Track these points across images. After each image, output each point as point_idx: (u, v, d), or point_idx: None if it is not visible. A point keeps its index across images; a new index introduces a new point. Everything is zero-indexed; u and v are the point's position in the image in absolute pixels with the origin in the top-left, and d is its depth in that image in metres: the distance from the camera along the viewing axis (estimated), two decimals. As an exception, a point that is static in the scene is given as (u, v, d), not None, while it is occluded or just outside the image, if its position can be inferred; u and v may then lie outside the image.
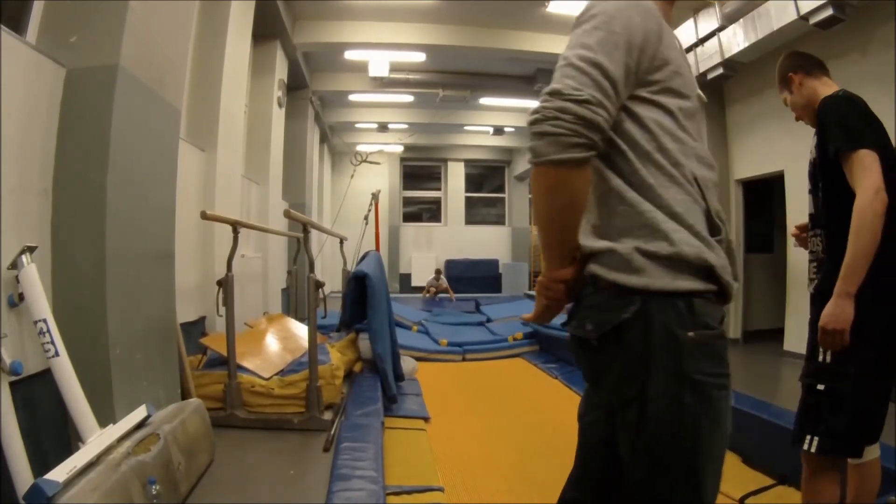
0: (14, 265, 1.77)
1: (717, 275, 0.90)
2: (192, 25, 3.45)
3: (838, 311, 1.33)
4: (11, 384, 1.66)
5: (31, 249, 1.80)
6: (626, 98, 0.92)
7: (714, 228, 0.93)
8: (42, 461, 1.72)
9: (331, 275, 7.68)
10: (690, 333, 0.86)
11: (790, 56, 1.71)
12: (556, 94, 0.85)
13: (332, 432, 2.85)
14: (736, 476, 2.89)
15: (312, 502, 2.12)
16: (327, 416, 3.04)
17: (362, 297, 4.18)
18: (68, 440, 1.91)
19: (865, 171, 1.32)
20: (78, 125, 2.08)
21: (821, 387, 1.44)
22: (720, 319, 0.93)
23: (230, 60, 4.15)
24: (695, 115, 1.00)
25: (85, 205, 2.08)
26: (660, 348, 0.86)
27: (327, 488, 2.19)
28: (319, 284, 3.07)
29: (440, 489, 2.67)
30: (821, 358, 1.44)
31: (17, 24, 2.09)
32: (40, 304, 1.77)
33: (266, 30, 5.59)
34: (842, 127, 1.42)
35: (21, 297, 1.77)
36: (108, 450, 1.72)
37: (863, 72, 3.96)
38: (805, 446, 1.50)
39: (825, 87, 1.62)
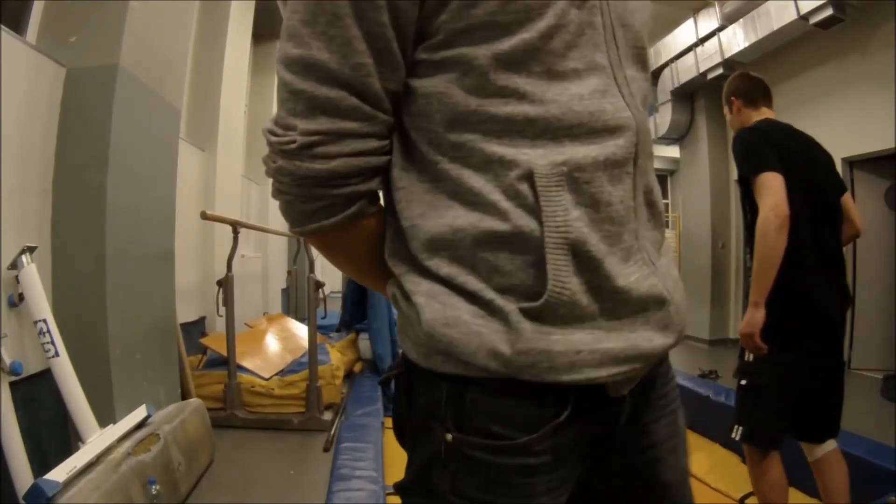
0: (14, 265, 1.77)
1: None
2: (192, 25, 3.45)
3: (748, 318, 1.48)
4: (11, 384, 1.66)
5: (31, 249, 1.80)
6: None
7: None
8: (42, 461, 1.72)
9: (331, 275, 7.68)
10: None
11: (739, 78, 1.73)
12: (268, 141, 0.53)
13: (332, 432, 2.84)
14: (736, 476, 2.89)
15: (312, 502, 2.12)
16: (327, 416, 3.04)
17: (362, 297, 4.19)
18: (68, 440, 1.91)
19: (766, 191, 1.41)
20: (78, 125, 2.08)
21: (744, 382, 1.59)
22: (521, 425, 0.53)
23: (230, 60, 4.15)
24: (548, 48, 0.50)
25: (85, 205, 2.08)
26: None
27: (327, 488, 2.19)
28: (319, 284, 3.06)
29: None
30: (746, 357, 1.59)
31: (17, 24, 2.09)
32: (40, 304, 1.77)
33: (266, 30, 5.59)
34: (746, 154, 1.50)
35: (21, 297, 1.77)
36: (108, 450, 1.72)
37: (863, 72, 3.97)
38: (733, 434, 1.64)
39: (758, 118, 1.63)
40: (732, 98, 1.68)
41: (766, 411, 1.54)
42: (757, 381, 1.53)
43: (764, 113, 1.63)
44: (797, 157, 1.48)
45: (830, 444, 1.62)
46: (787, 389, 1.51)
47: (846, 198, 1.60)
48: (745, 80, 1.68)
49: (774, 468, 1.59)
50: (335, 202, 0.55)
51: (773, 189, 1.38)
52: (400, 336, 0.60)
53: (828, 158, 1.65)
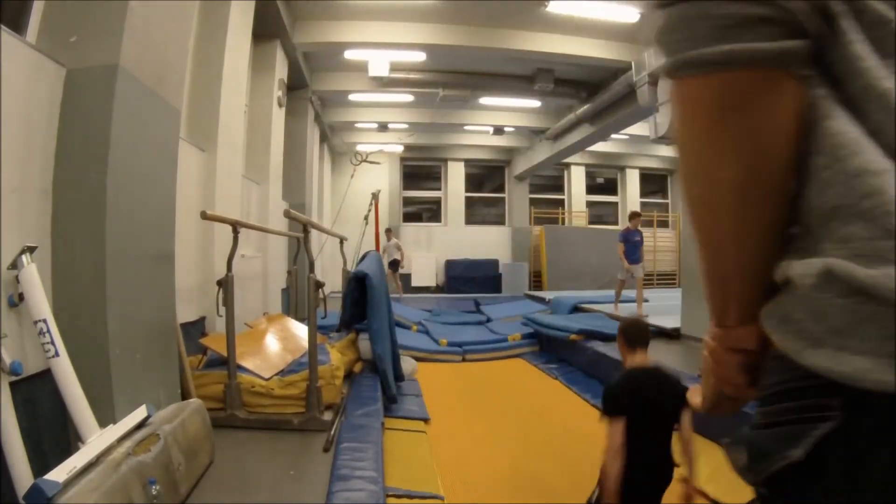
0: (14, 265, 1.77)
1: None
2: (192, 25, 3.44)
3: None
4: (11, 384, 1.66)
5: (31, 249, 1.80)
6: None
7: None
8: (42, 461, 1.72)
9: (331, 275, 7.68)
10: None
11: (628, 323, 2.24)
12: None
13: (332, 433, 2.85)
14: (736, 480, 2.89)
15: (312, 502, 2.12)
16: (327, 416, 3.04)
17: (362, 297, 4.19)
18: (68, 440, 1.91)
19: (608, 436, 1.86)
20: (78, 125, 2.08)
21: None
22: None
23: (230, 60, 4.15)
24: None
25: (85, 205, 2.08)
26: None
27: (327, 489, 2.20)
28: (319, 284, 3.07)
29: (440, 497, 2.65)
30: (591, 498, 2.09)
31: (17, 24, 2.09)
32: (40, 304, 1.77)
33: (266, 29, 5.59)
34: (604, 399, 2.00)
35: (21, 297, 1.77)
36: (108, 450, 1.72)
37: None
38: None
39: (631, 361, 2.10)
40: (620, 343, 2.17)
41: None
42: None
43: (637, 354, 2.08)
44: (643, 394, 1.95)
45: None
46: None
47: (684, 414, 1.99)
48: (628, 329, 2.16)
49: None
50: (773, 16, 0.38)
51: (612, 434, 1.86)
52: (821, 353, 0.40)
53: (675, 383, 2.02)
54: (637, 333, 2.11)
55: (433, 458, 3.18)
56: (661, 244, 13.09)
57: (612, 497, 1.83)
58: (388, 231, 10.89)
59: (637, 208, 13.87)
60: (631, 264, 6.74)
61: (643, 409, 1.90)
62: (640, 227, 6.97)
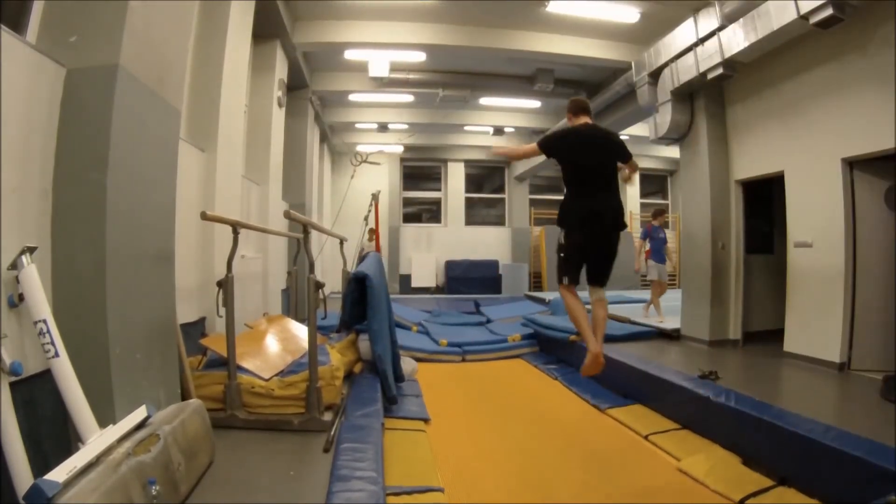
0: (14, 265, 1.77)
1: None
2: (192, 25, 3.45)
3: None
4: (11, 384, 1.66)
5: (31, 249, 1.80)
6: None
7: None
8: (42, 461, 1.72)
9: (331, 275, 7.67)
10: None
11: (571, 100, 3.09)
12: None
13: (332, 433, 2.84)
14: (736, 477, 2.89)
15: (312, 503, 2.12)
16: (327, 416, 3.04)
17: (362, 297, 4.18)
18: (68, 440, 1.90)
19: (524, 149, 2.86)
20: (78, 125, 2.08)
21: (560, 254, 2.93)
22: None
23: (230, 60, 4.15)
24: None
25: (85, 205, 2.07)
26: None
27: (327, 489, 2.19)
28: (319, 285, 3.06)
29: (440, 490, 2.66)
30: (560, 240, 2.89)
31: (17, 24, 2.09)
32: (40, 304, 1.77)
33: (266, 29, 5.59)
34: (544, 138, 2.94)
35: (21, 297, 1.77)
36: (108, 450, 1.71)
37: (862, 72, 3.96)
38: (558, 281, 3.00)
39: (576, 121, 2.97)
40: (568, 114, 3.05)
41: (566, 267, 2.85)
42: (562, 253, 2.82)
43: (581, 118, 2.94)
44: (581, 140, 2.81)
45: (602, 292, 2.98)
46: (575, 258, 2.83)
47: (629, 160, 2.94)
48: (573, 102, 3.04)
49: (573, 294, 2.89)
50: None
51: (527, 149, 2.93)
52: None
53: (612, 136, 2.96)
54: (579, 104, 2.92)
55: (433, 455, 3.18)
56: (661, 244, 13.06)
57: (514, 150, 2.65)
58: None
59: (637, 209, 13.93)
60: (657, 263, 6.51)
61: (587, 150, 2.58)
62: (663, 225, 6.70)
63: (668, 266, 6.60)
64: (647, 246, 6.62)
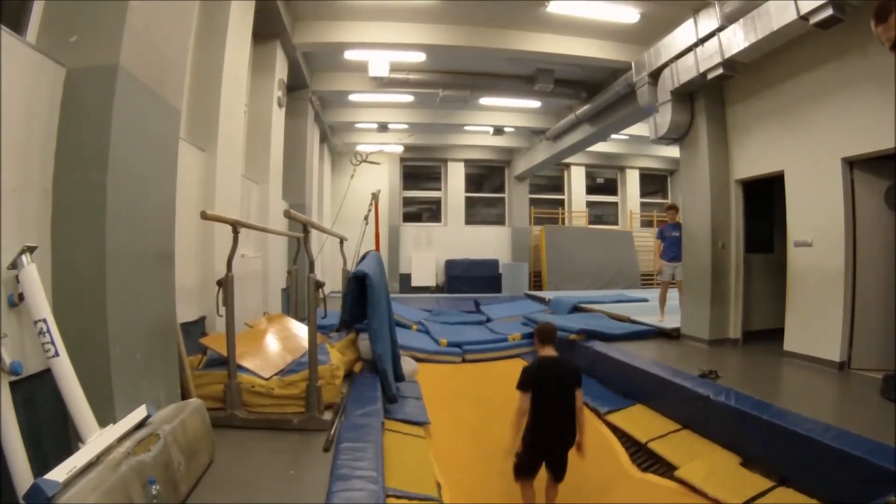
0: (14, 265, 1.77)
1: None
2: (192, 25, 3.45)
3: (510, 445, 2.80)
4: (11, 384, 1.66)
5: (31, 249, 1.80)
6: None
7: None
8: (42, 461, 1.72)
9: (331, 275, 7.68)
10: None
11: (540, 327, 3.12)
12: None
13: (332, 432, 2.84)
14: (734, 481, 2.89)
15: (312, 502, 2.12)
16: (327, 416, 3.04)
17: (362, 296, 4.18)
18: (68, 440, 1.91)
19: (519, 401, 2.75)
20: (78, 125, 2.08)
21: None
22: None
23: (230, 60, 4.15)
24: None
25: (85, 205, 2.08)
26: None
27: (327, 488, 2.19)
28: (319, 284, 3.06)
29: (434, 499, 2.64)
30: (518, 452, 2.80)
31: (17, 24, 2.09)
32: (40, 304, 1.77)
33: (266, 30, 5.59)
34: (520, 377, 2.81)
35: (21, 297, 1.77)
36: (108, 450, 1.72)
37: (862, 72, 3.96)
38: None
39: (542, 353, 2.96)
40: (535, 339, 3.09)
41: (523, 465, 2.80)
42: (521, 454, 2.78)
43: (546, 349, 2.95)
44: (545, 375, 2.80)
45: (555, 484, 2.84)
46: (533, 461, 2.78)
47: (577, 392, 2.79)
48: (541, 328, 3.07)
49: (530, 489, 2.82)
50: None
51: (522, 400, 2.74)
52: None
53: (570, 370, 2.87)
54: (546, 333, 2.97)
55: (433, 459, 3.18)
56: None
57: (517, 444, 2.69)
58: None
59: (637, 208, 13.94)
60: (670, 261, 6.14)
61: (547, 385, 2.71)
62: (678, 220, 6.22)
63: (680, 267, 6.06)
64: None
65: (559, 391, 2.70)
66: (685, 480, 2.97)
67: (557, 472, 2.75)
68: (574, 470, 2.82)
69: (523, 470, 2.73)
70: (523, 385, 2.71)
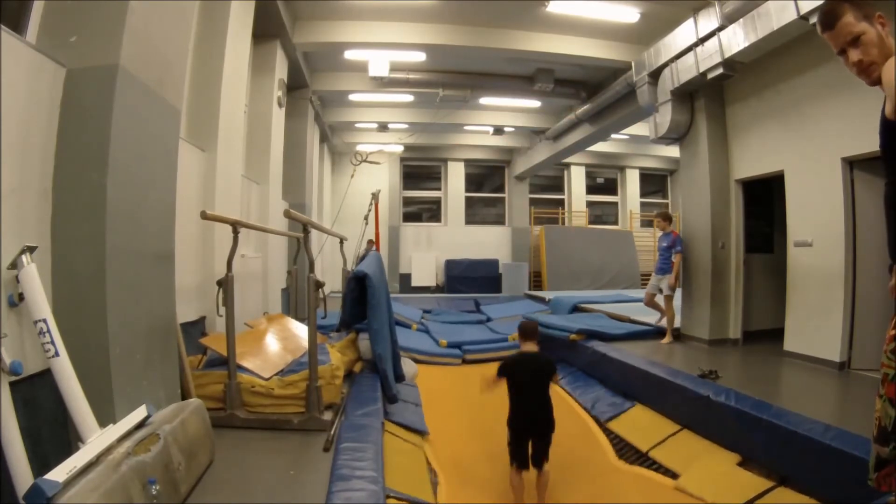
0: (14, 265, 1.77)
1: None
2: (192, 25, 3.44)
3: None
4: (11, 384, 1.66)
5: (31, 249, 1.80)
6: None
7: None
8: (42, 461, 1.72)
9: (331, 275, 7.67)
10: None
11: (524, 324, 3.27)
12: None
13: (332, 432, 2.84)
14: (735, 479, 2.89)
15: (312, 502, 2.12)
16: (327, 416, 3.04)
17: (362, 296, 4.18)
18: (68, 440, 1.91)
19: (493, 380, 3.02)
20: (78, 125, 2.08)
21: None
22: None
23: (230, 60, 4.15)
24: None
25: (85, 205, 2.08)
26: None
27: (327, 488, 2.19)
28: (319, 284, 3.06)
29: None
30: (509, 440, 3.03)
31: (17, 24, 2.09)
32: (40, 304, 1.77)
33: (266, 30, 5.59)
34: (499, 367, 3.06)
35: (21, 297, 1.77)
36: (108, 450, 1.72)
37: (863, 72, 3.96)
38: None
39: (524, 348, 3.16)
40: (518, 335, 3.25)
41: (513, 451, 2.96)
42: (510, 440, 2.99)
43: (528, 344, 3.15)
44: (522, 367, 3.04)
45: (543, 468, 2.96)
46: (519, 445, 2.94)
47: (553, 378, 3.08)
48: (524, 325, 3.24)
49: (518, 476, 2.92)
50: None
51: (496, 380, 3.01)
52: None
53: (544, 363, 3.09)
54: (528, 330, 3.20)
55: (433, 461, 3.18)
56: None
57: (488, 382, 3.02)
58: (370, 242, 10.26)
59: (637, 208, 13.93)
60: (656, 273, 5.70)
61: (521, 375, 2.98)
62: (669, 230, 5.68)
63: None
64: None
65: (531, 380, 3.00)
66: (684, 490, 2.97)
67: (541, 452, 2.94)
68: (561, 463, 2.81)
69: (514, 455, 2.95)
70: (498, 372, 3.03)
